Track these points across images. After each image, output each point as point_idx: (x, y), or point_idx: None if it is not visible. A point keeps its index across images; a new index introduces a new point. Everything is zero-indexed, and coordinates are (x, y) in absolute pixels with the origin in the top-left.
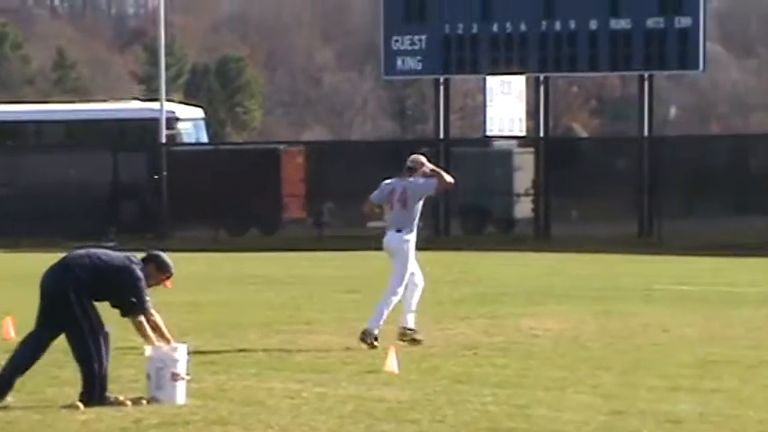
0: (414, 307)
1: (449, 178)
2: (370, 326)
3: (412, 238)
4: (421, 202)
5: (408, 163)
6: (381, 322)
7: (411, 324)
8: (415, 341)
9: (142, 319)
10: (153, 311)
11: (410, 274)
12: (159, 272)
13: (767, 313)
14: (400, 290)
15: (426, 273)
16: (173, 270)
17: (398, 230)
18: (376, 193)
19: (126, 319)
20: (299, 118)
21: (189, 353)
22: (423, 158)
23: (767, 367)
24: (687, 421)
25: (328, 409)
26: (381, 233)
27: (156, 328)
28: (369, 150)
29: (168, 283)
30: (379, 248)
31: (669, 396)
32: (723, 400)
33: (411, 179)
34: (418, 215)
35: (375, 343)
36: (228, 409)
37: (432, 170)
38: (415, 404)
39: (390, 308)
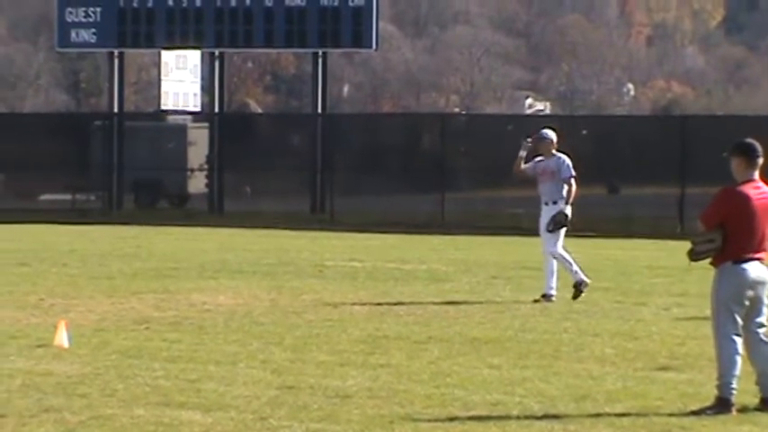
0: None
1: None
2: (576, 279)
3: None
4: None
5: (545, 138)
6: (576, 269)
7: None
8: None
9: None
10: None
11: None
12: None
13: (435, 290)
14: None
15: (98, 247)
16: None
17: (554, 202)
18: (530, 165)
19: None
20: None
21: None
22: (553, 135)
23: (434, 343)
24: (356, 396)
25: None
26: (50, 206)
27: None
28: (42, 123)
29: None
30: (50, 221)
31: (339, 371)
32: (391, 375)
33: (561, 160)
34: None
35: (584, 288)
36: None
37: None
38: (85, 378)
39: (572, 259)
